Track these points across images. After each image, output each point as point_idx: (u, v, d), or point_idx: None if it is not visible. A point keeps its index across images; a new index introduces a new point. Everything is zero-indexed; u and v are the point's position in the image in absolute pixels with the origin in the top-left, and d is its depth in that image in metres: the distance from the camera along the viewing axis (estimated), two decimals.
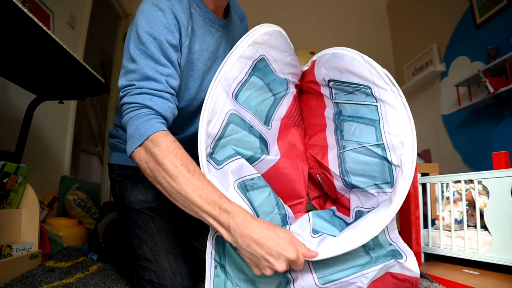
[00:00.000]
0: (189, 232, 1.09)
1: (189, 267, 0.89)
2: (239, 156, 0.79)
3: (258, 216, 0.75)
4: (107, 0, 2.74)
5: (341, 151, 0.89)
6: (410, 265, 0.70)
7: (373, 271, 0.68)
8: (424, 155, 2.57)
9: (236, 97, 0.82)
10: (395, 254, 0.72)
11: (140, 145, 0.69)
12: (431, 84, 2.75)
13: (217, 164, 0.76)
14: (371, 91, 0.79)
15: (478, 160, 2.19)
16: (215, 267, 0.71)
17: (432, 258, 1.20)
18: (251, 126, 0.84)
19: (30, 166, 1.11)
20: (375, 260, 0.71)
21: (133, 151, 0.70)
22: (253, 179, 0.80)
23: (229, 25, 0.96)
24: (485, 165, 1.99)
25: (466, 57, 2.33)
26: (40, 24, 0.91)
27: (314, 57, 0.97)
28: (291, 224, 0.82)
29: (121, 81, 0.76)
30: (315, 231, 0.79)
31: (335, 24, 3.41)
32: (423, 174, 1.29)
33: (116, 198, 1.00)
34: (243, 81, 0.82)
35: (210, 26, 0.89)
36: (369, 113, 0.81)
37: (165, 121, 0.74)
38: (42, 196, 1.66)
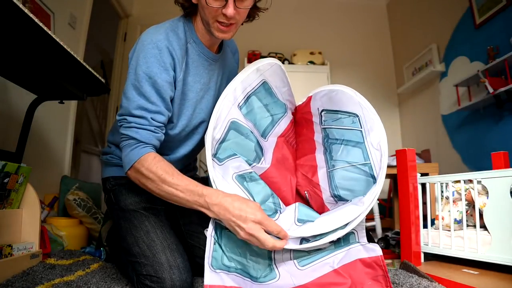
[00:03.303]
0: (185, 231, 1.11)
1: (187, 262, 0.90)
2: (238, 156, 0.93)
3: None
4: (107, 0, 2.74)
5: (330, 169, 1.02)
6: (372, 245, 0.83)
7: (342, 252, 0.83)
8: (423, 155, 2.57)
9: (240, 108, 0.96)
10: (359, 242, 0.86)
11: (130, 168, 0.86)
12: (431, 84, 2.76)
13: (220, 161, 0.89)
14: (358, 119, 0.96)
15: (477, 160, 2.20)
16: (214, 243, 0.82)
17: (432, 258, 1.20)
18: (251, 131, 0.96)
19: (30, 166, 1.11)
20: (343, 246, 0.85)
21: (127, 172, 0.88)
22: (251, 172, 0.93)
23: (221, 59, 1.07)
24: (485, 165, 1.99)
25: (465, 57, 2.33)
26: (41, 24, 0.92)
27: (311, 93, 1.11)
28: (280, 213, 0.92)
29: (117, 116, 0.91)
30: (300, 220, 0.89)
31: (335, 24, 3.42)
32: (422, 174, 1.30)
33: (111, 206, 1.05)
34: (245, 98, 0.97)
35: (203, 60, 0.99)
36: (355, 137, 0.96)
37: (150, 145, 0.87)
38: (43, 196, 1.66)
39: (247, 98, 0.97)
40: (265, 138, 1.04)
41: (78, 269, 1.05)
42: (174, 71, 0.91)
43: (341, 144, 1.00)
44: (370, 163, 0.92)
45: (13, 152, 1.25)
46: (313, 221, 0.85)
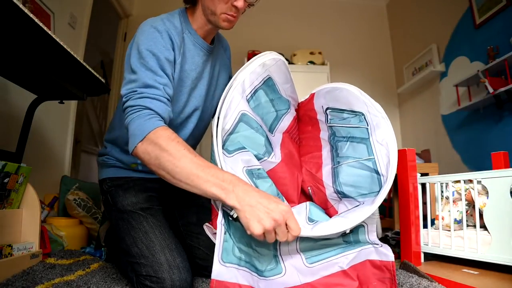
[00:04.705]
0: (184, 231, 1.11)
1: (187, 262, 0.90)
2: (247, 150, 0.90)
3: None
4: (108, 0, 2.74)
5: (335, 166, 1.02)
6: (385, 250, 0.81)
7: (352, 253, 0.81)
8: (423, 155, 2.57)
9: (248, 101, 0.95)
10: (372, 243, 0.85)
11: (143, 139, 0.76)
12: (431, 84, 2.76)
13: (228, 153, 0.86)
14: (364, 117, 0.96)
15: (477, 160, 2.20)
16: (225, 233, 0.76)
17: (432, 258, 1.20)
18: (260, 126, 0.95)
19: (30, 166, 1.11)
20: (354, 245, 0.83)
21: (136, 146, 0.77)
22: (259, 169, 0.90)
23: (214, 52, 1.09)
24: (485, 165, 1.99)
25: (465, 57, 2.33)
26: (41, 24, 0.92)
27: (313, 90, 1.11)
28: None
29: (123, 90, 0.86)
30: (310, 219, 0.89)
31: (335, 24, 3.41)
32: (422, 174, 1.30)
33: (109, 207, 1.05)
34: (253, 92, 0.96)
35: (198, 50, 1.02)
36: (360, 133, 0.97)
37: (163, 120, 0.82)
38: (43, 196, 1.66)
39: (255, 92, 0.97)
40: (272, 133, 1.04)
41: (78, 269, 1.05)
42: (174, 53, 0.93)
43: (347, 141, 1.00)
44: (373, 158, 0.92)
45: (13, 152, 1.25)
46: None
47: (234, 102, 0.88)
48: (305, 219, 0.88)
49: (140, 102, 0.81)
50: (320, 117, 1.09)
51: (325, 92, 1.06)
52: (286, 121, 1.09)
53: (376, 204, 0.82)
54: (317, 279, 0.79)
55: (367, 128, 0.95)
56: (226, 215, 0.77)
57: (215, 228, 0.78)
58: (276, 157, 1.00)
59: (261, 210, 0.66)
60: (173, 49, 0.93)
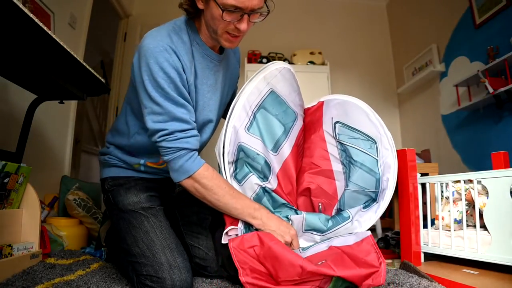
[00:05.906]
0: (184, 231, 1.11)
1: (187, 262, 0.91)
2: (252, 173, 1.01)
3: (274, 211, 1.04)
4: (108, 0, 2.74)
5: (345, 188, 1.07)
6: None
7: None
8: (423, 155, 2.56)
9: (248, 129, 1.01)
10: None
11: (188, 177, 0.90)
12: (431, 84, 2.76)
13: (239, 183, 1.01)
14: (376, 146, 1.01)
15: (477, 160, 2.20)
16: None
17: (432, 258, 1.20)
18: (257, 154, 1.01)
19: (30, 166, 1.11)
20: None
21: (181, 180, 0.91)
22: (264, 187, 1.02)
23: (224, 59, 1.07)
24: (485, 165, 1.99)
25: (465, 57, 2.33)
26: (41, 24, 0.92)
27: (322, 99, 1.13)
28: (292, 222, 1.03)
29: (151, 124, 0.88)
30: (306, 230, 1.02)
31: (335, 24, 3.42)
32: (422, 174, 1.30)
33: (110, 206, 1.05)
34: (253, 115, 1.01)
35: (208, 61, 0.99)
36: (371, 164, 1.03)
37: (197, 151, 0.93)
38: (43, 196, 1.66)
39: (254, 115, 1.01)
40: (276, 152, 1.04)
41: (78, 269, 1.05)
42: (185, 74, 0.91)
43: (358, 167, 1.04)
44: (378, 191, 1.01)
45: (13, 152, 1.25)
46: (316, 232, 1.01)
47: (233, 136, 0.98)
48: (301, 230, 1.03)
49: (178, 144, 0.87)
50: (327, 128, 1.10)
51: (336, 103, 1.07)
52: (294, 133, 1.09)
53: (363, 229, 0.96)
54: (307, 256, 0.91)
55: (377, 161, 1.01)
56: (247, 225, 0.97)
57: (228, 234, 0.96)
58: (271, 183, 1.03)
59: (278, 234, 0.92)
60: (184, 70, 0.90)
